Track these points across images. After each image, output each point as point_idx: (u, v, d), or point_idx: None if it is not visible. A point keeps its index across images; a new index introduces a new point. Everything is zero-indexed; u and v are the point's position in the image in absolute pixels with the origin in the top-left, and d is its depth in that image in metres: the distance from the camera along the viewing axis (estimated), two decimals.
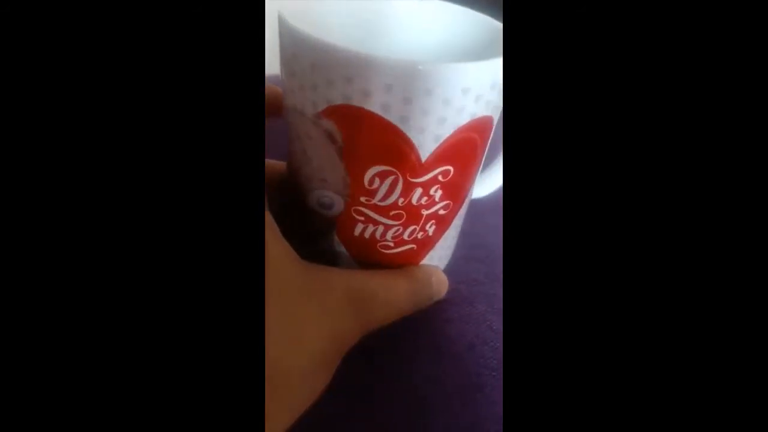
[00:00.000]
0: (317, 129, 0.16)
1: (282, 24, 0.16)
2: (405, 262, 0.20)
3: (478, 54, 0.20)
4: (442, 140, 0.16)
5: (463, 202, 0.19)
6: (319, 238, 0.20)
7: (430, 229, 0.19)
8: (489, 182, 0.24)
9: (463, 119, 0.15)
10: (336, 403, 0.17)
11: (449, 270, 0.23)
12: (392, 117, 0.15)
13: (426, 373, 0.19)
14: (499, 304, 0.23)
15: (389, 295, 0.18)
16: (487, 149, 0.19)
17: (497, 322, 0.22)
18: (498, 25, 0.19)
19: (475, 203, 0.24)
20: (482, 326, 0.21)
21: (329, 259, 0.20)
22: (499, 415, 0.18)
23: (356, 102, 0.15)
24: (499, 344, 0.21)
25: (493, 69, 0.15)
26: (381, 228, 0.18)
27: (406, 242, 0.19)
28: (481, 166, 0.20)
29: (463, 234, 0.25)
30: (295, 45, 0.15)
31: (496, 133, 0.18)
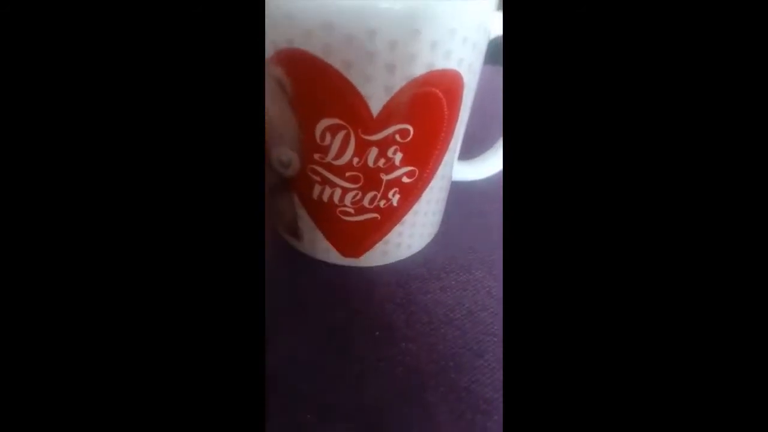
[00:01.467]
0: (270, 78, 0.15)
1: None
2: (368, 234, 0.19)
3: None
4: (394, 92, 0.14)
5: (432, 172, 0.18)
6: (279, 199, 0.19)
7: (394, 198, 0.18)
8: (487, 165, 0.22)
9: (417, 69, 0.14)
10: (331, 372, 0.16)
11: (442, 236, 0.22)
12: (335, 62, 0.14)
13: (422, 342, 0.18)
14: (498, 270, 0.21)
15: None
16: (461, 114, 0.17)
17: (497, 288, 0.20)
18: None
19: (471, 183, 0.23)
20: (481, 293, 0.20)
21: (291, 223, 0.20)
22: (500, 381, 0.16)
23: (298, 44, 0.14)
24: (500, 310, 0.19)
25: (453, 12, 0.14)
26: (339, 191, 0.17)
27: (367, 210, 0.18)
28: (478, 151, 0.19)
29: (458, 203, 0.24)
30: None
31: (494, 116, 0.17)
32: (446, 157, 0.18)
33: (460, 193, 0.24)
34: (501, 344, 0.18)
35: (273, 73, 0.15)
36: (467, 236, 0.23)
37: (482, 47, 0.16)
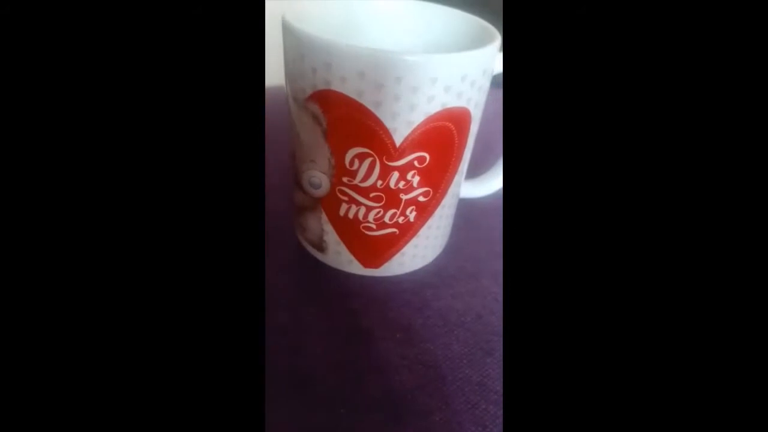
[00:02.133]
0: (306, 113, 0.18)
1: (283, 24, 0.18)
2: (388, 246, 0.21)
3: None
4: (414, 126, 0.17)
5: (444, 192, 0.20)
6: (308, 217, 0.21)
7: (411, 214, 0.20)
8: (489, 184, 0.25)
9: (434, 108, 0.17)
10: (358, 369, 0.19)
11: (452, 248, 0.25)
12: (366, 102, 0.16)
13: (438, 342, 0.20)
14: (502, 278, 0.24)
15: None
16: (469, 141, 0.20)
17: (502, 294, 0.23)
18: (486, 25, 0.20)
19: (476, 200, 0.25)
20: (488, 298, 0.23)
21: (317, 238, 0.22)
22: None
23: (335, 87, 0.16)
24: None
25: (463, 62, 0.16)
26: (363, 209, 0.20)
27: (387, 225, 0.20)
28: (481, 170, 0.22)
29: (465, 218, 0.26)
30: (290, 39, 0.17)
31: (494, 139, 0.19)
32: (456, 178, 0.20)
33: (466, 208, 0.27)
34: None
35: (310, 108, 0.18)
36: (474, 247, 0.26)
37: (486, 87, 0.19)
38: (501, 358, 0.20)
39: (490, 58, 0.18)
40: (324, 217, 0.21)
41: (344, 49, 0.15)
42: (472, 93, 0.17)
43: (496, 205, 0.28)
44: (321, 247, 0.22)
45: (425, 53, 0.16)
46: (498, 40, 0.18)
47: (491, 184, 0.25)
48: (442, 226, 0.22)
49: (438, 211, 0.21)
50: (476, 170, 0.25)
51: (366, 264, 0.22)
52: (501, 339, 0.20)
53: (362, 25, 0.23)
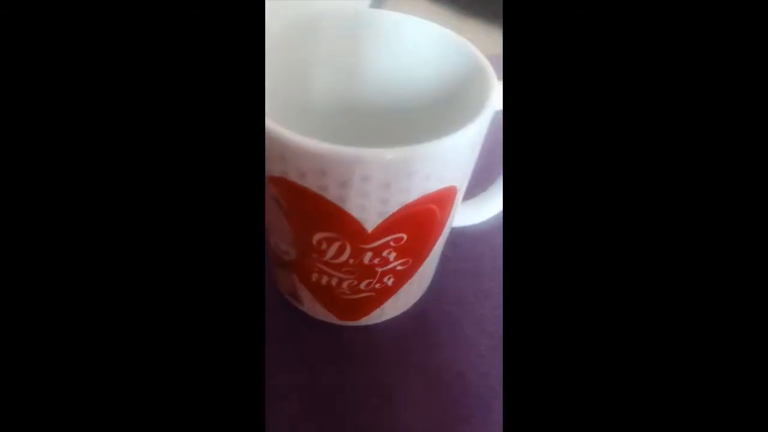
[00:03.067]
0: (268, 192, 0.16)
1: None
2: (365, 306, 0.20)
3: (456, 85, 0.18)
4: (387, 216, 0.15)
5: (426, 256, 0.18)
6: (282, 274, 0.20)
7: (389, 281, 0.18)
8: (487, 207, 0.22)
9: (412, 196, 0.14)
10: (331, 425, 0.18)
11: (437, 284, 0.23)
12: (330, 196, 0.14)
13: (413, 402, 0.19)
14: (488, 325, 0.23)
15: None
16: (453, 211, 0.17)
17: (485, 346, 0.22)
18: (483, 64, 0.17)
19: (465, 228, 0.23)
20: (471, 352, 0.21)
21: (292, 292, 0.21)
22: None
23: (293, 178, 0.14)
24: (487, 370, 0.21)
25: (448, 147, 0.14)
26: (336, 279, 0.18)
27: (363, 291, 0.19)
28: (477, 196, 0.19)
29: (451, 245, 0.25)
30: None
31: (489, 157, 0.17)
32: (441, 241, 0.18)
33: (454, 234, 0.25)
34: (486, 408, 0.20)
35: (270, 190, 0.15)
36: (460, 284, 0.24)
37: (476, 154, 0.16)
38: (477, 426, 0.19)
39: (483, 128, 0.15)
40: (296, 278, 0.19)
41: (300, 145, 0.13)
42: (458, 172, 0.15)
43: (486, 230, 0.26)
44: (297, 298, 0.21)
45: (398, 147, 0.13)
46: (496, 90, 0.15)
47: (489, 207, 0.23)
48: (426, 276, 0.21)
49: (421, 270, 0.19)
50: (470, 189, 0.23)
51: (343, 318, 0.21)
52: (479, 403, 0.20)
53: (350, 36, 0.19)
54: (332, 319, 0.21)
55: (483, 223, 0.24)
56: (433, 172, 0.14)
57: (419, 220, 0.16)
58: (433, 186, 0.14)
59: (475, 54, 0.17)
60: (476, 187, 0.23)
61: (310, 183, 0.14)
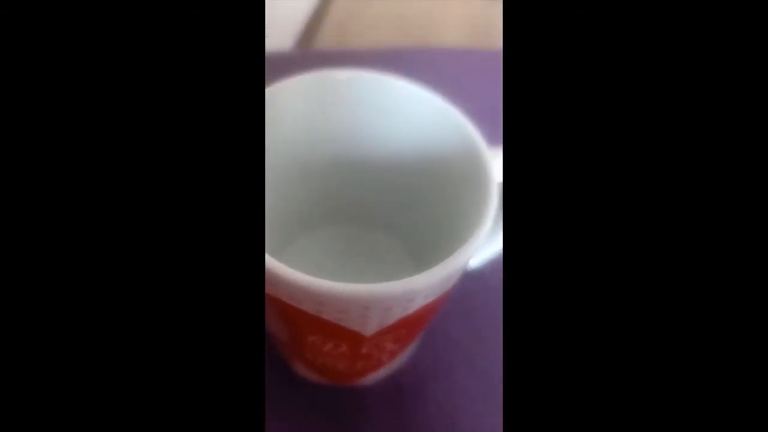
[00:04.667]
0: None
1: None
2: (357, 375, 0.20)
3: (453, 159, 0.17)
4: (386, 326, 0.14)
5: (419, 334, 0.18)
6: (275, 340, 0.19)
7: (384, 357, 0.18)
8: (486, 248, 0.22)
9: (409, 311, 0.14)
10: None
11: (426, 333, 0.23)
12: (327, 317, 0.13)
13: None
14: (481, 369, 0.22)
15: None
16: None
17: (480, 393, 0.22)
18: (479, 153, 0.16)
19: None
20: (465, 400, 0.21)
21: (284, 356, 0.20)
22: None
23: (287, 300, 0.13)
24: (481, 418, 0.21)
25: (447, 271, 0.13)
26: (329, 360, 0.18)
27: (358, 369, 0.19)
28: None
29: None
30: None
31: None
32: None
33: None
34: None
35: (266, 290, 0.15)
36: (451, 328, 0.24)
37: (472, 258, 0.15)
38: None
39: (479, 245, 0.14)
40: (289, 352, 0.19)
41: (297, 281, 0.12)
42: (455, 279, 0.14)
43: (479, 271, 0.26)
44: (289, 362, 0.21)
45: (400, 279, 0.12)
46: (493, 196, 0.14)
47: (488, 248, 0.22)
48: (419, 339, 0.21)
49: (415, 339, 0.19)
50: None
51: (337, 382, 0.21)
52: None
53: (347, 102, 0.18)
54: (324, 382, 0.21)
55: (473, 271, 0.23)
56: (430, 293, 0.13)
57: (415, 324, 0.16)
58: (429, 300, 0.14)
59: (472, 142, 0.16)
60: None
61: (307, 307, 0.13)
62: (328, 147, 0.19)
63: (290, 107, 0.17)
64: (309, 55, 0.37)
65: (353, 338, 0.15)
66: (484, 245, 0.22)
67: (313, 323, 0.14)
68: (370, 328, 0.14)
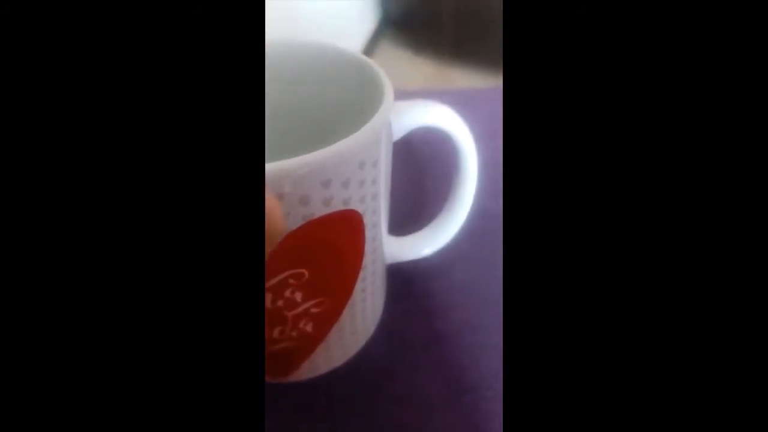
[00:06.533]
0: None
1: None
2: (288, 359, 0.17)
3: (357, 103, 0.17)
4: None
5: (347, 294, 0.16)
6: None
7: (307, 326, 0.16)
8: (436, 240, 0.20)
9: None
10: None
11: (384, 332, 0.21)
12: None
13: None
14: (445, 372, 0.20)
15: None
16: (372, 245, 0.15)
17: (442, 395, 0.19)
18: (376, 73, 0.16)
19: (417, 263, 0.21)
20: (428, 402, 0.18)
21: None
22: None
23: None
24: (445, 422, 0.18)
25: (333, 162, 0.12)
26: None
27: (278, 340, 0.16)
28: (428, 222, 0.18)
29: (401, 281, 0.22)
30: None
31: (435, 188, 0.15)
32: (361, 277, 0.16)
33: (403, 273, 0.23)
34: None
35: None
36: (414, 326, 0.22)
37: (380, 176, 0.14)
38: None
39: (373, 140, 0.13)
40: None
41: None
42: (353, 191, 0.13)
43: (439, 264, 0.24)
44: None
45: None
46: (386, 102, 0.14)
47: (436, 239, 0.20)
48: (361, 321, 0.19)
49: (348, 310, 0.17)
50: (416, 221, 0.21)
51: (270, 375, 0.18)
52: None
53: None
54: (269, 378, 0.19)
55: (437, 256, 0.21)
56: (311, 193, 0.12)
57: (318, 252, 0.14)
58: (320, 210, 0.13)
59: (369, 66, 0.16)
60: (423, 218, 0.21)
61: None
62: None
63: None
64: None
65: None
66: (435, 232, 0.20)
67: None
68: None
